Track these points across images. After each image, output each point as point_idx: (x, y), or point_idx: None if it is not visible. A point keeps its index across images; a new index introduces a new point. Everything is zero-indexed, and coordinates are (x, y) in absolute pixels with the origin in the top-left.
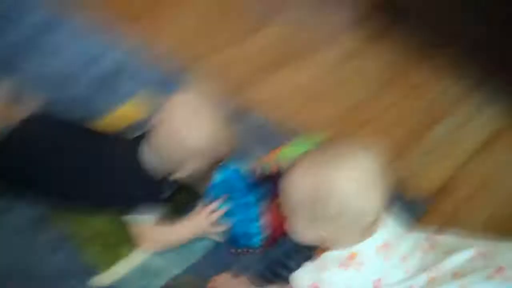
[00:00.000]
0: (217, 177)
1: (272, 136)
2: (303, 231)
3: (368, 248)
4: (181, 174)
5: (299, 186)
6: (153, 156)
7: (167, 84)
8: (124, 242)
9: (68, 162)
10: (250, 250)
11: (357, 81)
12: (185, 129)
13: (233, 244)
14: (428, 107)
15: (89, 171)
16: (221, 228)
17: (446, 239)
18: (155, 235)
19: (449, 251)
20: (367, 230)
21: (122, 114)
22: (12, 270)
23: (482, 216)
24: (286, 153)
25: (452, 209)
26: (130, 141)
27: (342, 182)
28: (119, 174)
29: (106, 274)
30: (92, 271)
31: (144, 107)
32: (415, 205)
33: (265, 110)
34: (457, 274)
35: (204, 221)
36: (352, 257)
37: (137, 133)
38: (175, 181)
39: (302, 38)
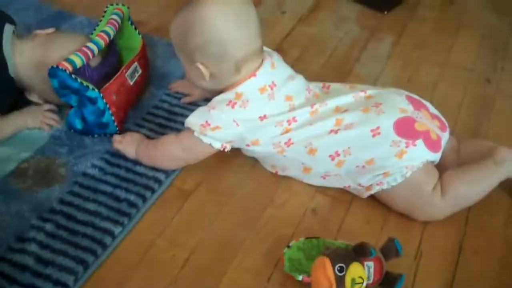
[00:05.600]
0: (53, 83)
1: None
2: (187, 70)
3: (251, 87)
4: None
5: (173, 26)
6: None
7: None
8: None
9: None
10: (108, 135)
11: None
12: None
13: (89, 134)
14: None
15: None
16: (54, 121)
17: (336, 86)
18: None
19: (337, 94)
20: (244, 66)
21: None
22: None
23: (317, 66)
24: (100, 26)
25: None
26: None
27: (207, 12)
28: None
29: None
30: None
31: None
32: None
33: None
34: (338, 109)
35: (39, 111)
36: (237, 96)
37: None
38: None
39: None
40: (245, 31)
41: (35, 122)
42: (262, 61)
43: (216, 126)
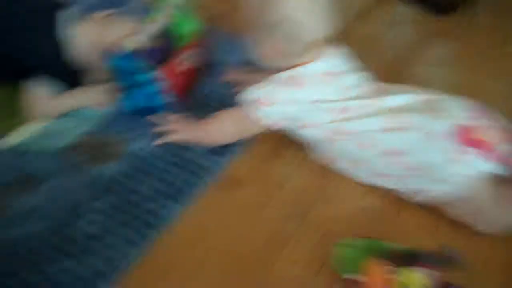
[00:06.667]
0: (110, 65)
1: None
2: (258, 47)
3: (310, 71)
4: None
5: (249, 1)
6: (84, 45)
7: None
8: (19, 113)
9: None
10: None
11: None
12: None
13: (143, 115)
14: None
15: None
16: (110, 99)
17: (394, 86)
18: (51, 101)
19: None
20: (313, 50)
21: None
22: None
23: (369, 66)
24: (158, 11)
25: None
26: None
27: None
28: (37, 38)
29: (10, 137)
30: None
31: None
32: None
33: None
34: (395, 109)
35: (96, 90)
36: (295, 77)
37: None
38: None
39: None
40: (321, 16)
41: (94, 100)
42: (328, 49)
43: (270, 103)
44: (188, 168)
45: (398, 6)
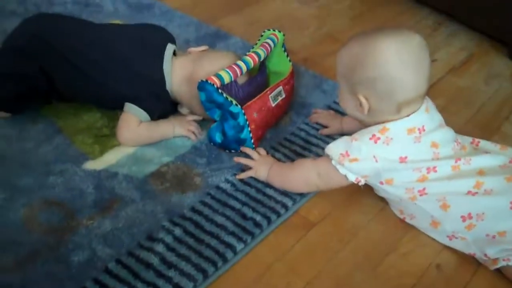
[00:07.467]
0: (201, 96)
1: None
2: (346, 98)
3: (400, 126)
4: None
5: (343, 53)
6: (179, 85)
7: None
8: (113, 136)
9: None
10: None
11: (326, 16)
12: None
13: (227, 148)
14: None
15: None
16: (198, 130)
17: (486, 144)
18: (140, 127)
19: (485, 155)
20: (404, 108)
21: None
22: (5, 155)
23: (461, 120)
24: (254, 49)
25: None
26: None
27: (383, 48)
28: (140, 70)
29: (99, 159)
30: (85, 157)
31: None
32: None
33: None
34: (481, 172)
35: (184, 120)
36: (383, 131)
37: None
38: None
39: None
40: (416, 74)
41: (181, 130)
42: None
43: (354, 158)
44: (268, 205)
45: (498, 60)
